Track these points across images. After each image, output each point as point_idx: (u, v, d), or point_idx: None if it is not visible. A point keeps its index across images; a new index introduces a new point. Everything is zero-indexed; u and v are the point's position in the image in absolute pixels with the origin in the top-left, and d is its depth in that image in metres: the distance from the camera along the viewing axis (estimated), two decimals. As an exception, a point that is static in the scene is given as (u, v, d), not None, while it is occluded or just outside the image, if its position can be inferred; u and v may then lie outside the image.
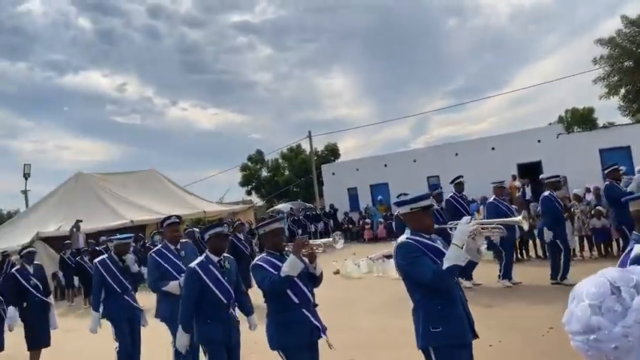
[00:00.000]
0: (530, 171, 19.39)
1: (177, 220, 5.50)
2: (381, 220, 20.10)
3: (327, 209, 22.53)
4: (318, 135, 40.68)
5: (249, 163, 45.40)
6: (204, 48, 71.53)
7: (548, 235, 8.47)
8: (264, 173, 46.29)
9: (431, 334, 3.14)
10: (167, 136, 73.98)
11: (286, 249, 3.93)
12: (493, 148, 20.45)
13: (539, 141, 19.74)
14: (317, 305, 3.92)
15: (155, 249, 5.37)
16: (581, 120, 41.43)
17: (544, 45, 63.14)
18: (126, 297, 5.82)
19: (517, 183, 18.06)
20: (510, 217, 8.73)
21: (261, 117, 74.29)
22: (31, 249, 7.47)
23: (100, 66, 70.01)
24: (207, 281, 4.14)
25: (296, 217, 21.14)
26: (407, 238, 3.30)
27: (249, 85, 73.09)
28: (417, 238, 3.29)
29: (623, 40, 23.98)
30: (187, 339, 4.16)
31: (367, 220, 20.19)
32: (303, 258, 3.69)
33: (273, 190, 41.99)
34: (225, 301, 4.23)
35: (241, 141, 73.36)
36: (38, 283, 7.01)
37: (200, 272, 4.15)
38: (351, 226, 21.05)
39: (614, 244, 10.61)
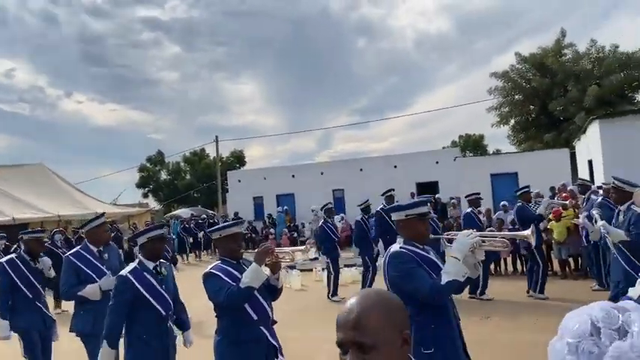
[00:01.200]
0: (427, 190, 20.43)
1: (105, 220, 4.86)
2: (285, 229, 20.11)
3: (232, 217, 22.10)
4: (225, 140, 40.02)
5: (148, 164, 43.53)
6: (107, 40, 67.90)
7: None
8: (164, 176, 44.59)
9: (422, 355, 2.80)
10: (58, 129, 68.99)
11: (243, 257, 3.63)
12: (395, 166, 21.30)
13: (437, 162, 20.89)
14: (275, 322, 3.55)
15: (73, 251, 4.61)
16: (472, 145, 44.60)
17: (444, 73, 67.41)
18: (38, 304, 5.03)
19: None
20: (484, 229, 9.14)
21: (163, 117, 71.75)
22: None
23: (-16, 47, 63.98)
24: (142, 291, 3.60)
25: (187, 225, 20.19)
26: (400, 248, 3.03)
27: (152, 82, 70.34)
28: (411, 247, 3.02)
29: (515, 75, 26.22)
30: (112, 357, 3.59)
31: (271, 230, 20.08)
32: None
33: (172, 194, 40.52)
34: (163, 313, 3.69)
35: (140, 140, 70.25)
36: None
37: (133, 280, 3.60)
38: (254, 235, 20.79)
39: (503, 262, 11.42)
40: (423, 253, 3.05)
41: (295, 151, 66.81)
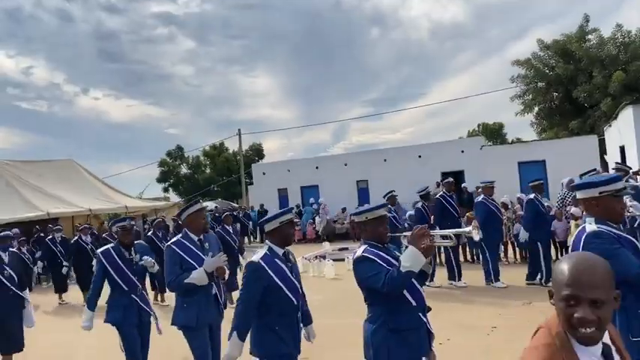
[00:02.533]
0: (453, 179, 20.28)
1: (202, 206, 4.54)
2: (311, 220, 20.23)
3: (257, 209, 22.26)
4: (248, 134, 40.17)
5: (168, 159, 43.88)
6: (122, 36, 68.46)
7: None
8: (184, 170, 44.95)
9: (632, 343, 2.75)
10: (76, 125, 69.88)
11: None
12: (420, 156, 21.23)
13: (462, 151, 20.78)
14: (430, 309, 3.30)
15: (174, 240, 4.31)
16: (492, 134, 44.27)
17: (458, 62, 66.90)
18: (134, 297, 4.84)
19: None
20: (498, 215, 9.24)
21: (179, 112, 72.29)
22: (6, 232, 6.16)
23: (4, 45, 64.83)
24: (275, 278, 3.31)
25: (217, 215, 20.41)
26: (598, 228, 2.90)
27: (167, 77, 70.85)
28: (608, 227, 2.91)
29: (537, 62, 25.93)
30: (241, 349, 3.31)
31: (296, 221, 20.20)
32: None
33: (192, 188, 40.85)
34: (295, 302, 3.41)
35: (157, 135, 70.95)
36: (13, 274, 5.85)
37: (265, 267, 3.33)
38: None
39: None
40: (620, 232, 2.94)
41: (311, 143, 67.01)
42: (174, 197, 39.79)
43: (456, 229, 4.10)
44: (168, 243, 4.33)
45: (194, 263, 4.18)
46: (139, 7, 71.62)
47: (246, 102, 72.55)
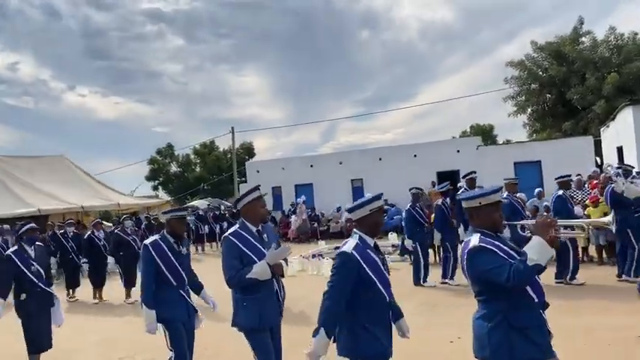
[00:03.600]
0: (448, 179, 20.29)
1: (261, 193, 4.00)
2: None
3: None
4: (242, 132, 39.77)
5: (158, 157, 43.49)
6: (110, 33, 67.72)
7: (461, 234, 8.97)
8: (174, 168, 44.58)
9: None
10: (63, 122, 69.06)
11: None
12: (415, 155, 21.19)
13: (458, 151, 20.78)
14: (548, 305, 2.97)
15: (232, 230, 3.84)
16: (482, 136, 44.42)
17: (448, 64, 67.23)
18: (182, 292, 4.49)
19: (436, 189, 18.89)
20: (522, 212, 9.11)
21: (167, 110, 71.74)
22: (32, 225, 5.76)
23: (-11, 40, 63.82)
24: (368, 270, 3.01)
25: (201, 214, 20.16)
26: (479, 243, 2.87)
27: (156, 75, 70.28)
28: (489, 239, 2.89)
29: (531, 63, 26.07)
30: (326, 348, 2.98)
31: (291, 219, 20.06)
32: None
33: (182, 186, 40.53)
34: (388, 299, 3.13)
35: (145, 133, 70.33)
36: (40, 269, 5.55)
37: (358, 258, 3.01)
38: (273, 225, 20.73)
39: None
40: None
41: (300, 143, 66.85)
42: (163, 196, 39.33)
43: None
44: (226, 234, 3.85)
45: (254, 257, 3.72)
46: (127, 4, 71.01)
47: (235, 101, 72.23)
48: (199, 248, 18.44)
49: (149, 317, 4.30)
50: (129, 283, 9.94)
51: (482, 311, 2.94)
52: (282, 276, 3.91)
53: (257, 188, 3.97)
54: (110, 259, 10.21)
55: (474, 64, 65.97)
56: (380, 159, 21.60)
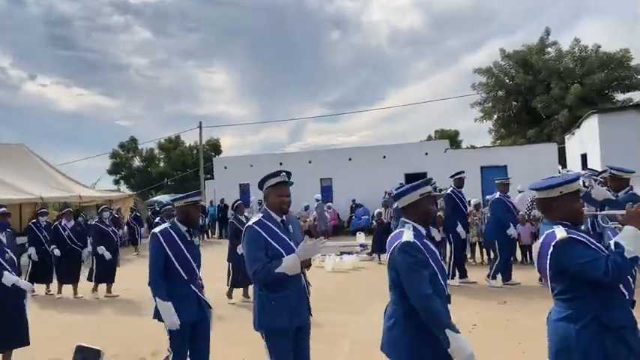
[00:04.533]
0: (416, 181, 20.50)
1: (288, 181, 3.53)
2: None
3: (217, 203, 21.71)
4: (209, 127, 39.13)
5: (121, 151, 42.48)
6: (75, 22, 65.80)
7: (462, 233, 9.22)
8: (137, 163, 43.60)
9: None
10: (21, 112, 66.63)
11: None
12: (384, 157, 21.29)
13: (426, 154, 21.01)
14: (635, 303, 2.74)
15: (255, 220, 3.40)
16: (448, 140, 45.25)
17: (416, 69, 68.16)
18: (193, 288, 3.97)
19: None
20: (514, 213, 9.23)
21: (132, 104, 70.25)
22: (4, 209, 5.35)
23: (-57, 23, 61.05)
24: (432, 263, 2.79)
25: (156, 208, 20.03)
26: (569, 234, 2.60)
27: (121, 68, 68.70)
28: (575, 231, 2.66)
29: (498, 71, 26.64)
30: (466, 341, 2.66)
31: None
32: None
33: (145, 181, 39.67)
34: (446, 292, 2.91)
35: (108, 127, 68.64)
36: (14, 257, 5.05)
37: (422, 248, 2.77)
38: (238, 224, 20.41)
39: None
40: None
41: (266, 142, 66.55)
42: (125, 190, 38.38)
43: None
44: (249, 223, 3.38)
45: (281, 250, 3.31)
46: (93, -7, 69.10)
47: (202, 97, 71.31)
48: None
49: (166, 310, 3.76)
50: (108, 278, 9.52)
51: (566, 311, 2.63)
52: (309, 267, 3.50)
53: (281, 172, 3.50)
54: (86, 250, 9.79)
55: (440, 71, 67.17)
56: (350, 159, 21.61)
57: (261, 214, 3.44)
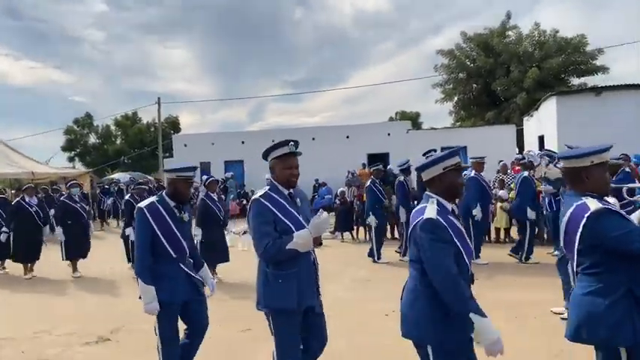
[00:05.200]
0: (378, 161, 20.66)
1: (296, 151, 3.23)
2: (233, 196, 19.69)
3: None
4: (165, 103, 38.02)
5: (75, 127, 41.00)
6: (25, -10, 62.57)
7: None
8: (93, 140, 42.22)
9: None
10: (-33, 85, 63.27)
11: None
12: (348, 137, 21.32)
13: (389, 134, 21.15)
14: None
15: (262, 193, 3.15)
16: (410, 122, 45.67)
17: (379, 51, 68.23)
18: (182, 267, 3.67)
19: (366, 170, 19.21)
20: (489, 192, 9.25)
21: (87, 78, 67.79)
22: None
23: None
24: (457, 241, 2.58)
25: (121, 187, 19.65)
26: (603, 205, 2.52)
27: (75, 41, 66.03)
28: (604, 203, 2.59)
29: (460, 53, 26.90)
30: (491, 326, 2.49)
31: (222, 196, 19.56)
32: None
33: (101, 158, 38.48)
34: (471, 272, 2.72)
35: (61, 102, 66.11)
36: None
37: (446, 225, 2.57)
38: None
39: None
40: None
41: (226, 121, 65.61)
42: (81, 168, 37.19)
43: None
44: (255, 196, 3.14)
45: (290, 224, 3.07)
46: (45, -39, 65.80)
47: (160, 74, 69.42)
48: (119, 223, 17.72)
49: (147, 294, 3.48)
50: (76, 255, 9.13)
51: (596, 285, 2.53)
52: (320, 244, 3.30)
53: (288, 142, 3.19)
54: (58, 230, 9.19)
55: (403, 53, 67.43)
56: (313, 139, 21.52)
57: (267, 187, 3.19)
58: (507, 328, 4.57)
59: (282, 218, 3.07)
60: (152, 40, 69.80)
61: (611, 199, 6.61)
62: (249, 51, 71.45)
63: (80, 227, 9.19)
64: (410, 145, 20.10)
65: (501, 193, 11.35)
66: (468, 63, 26.82)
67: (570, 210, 2.59)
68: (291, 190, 3.22)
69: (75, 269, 9.06)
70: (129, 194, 9.42)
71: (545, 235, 10.14)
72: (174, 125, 41.68)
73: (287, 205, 3.12)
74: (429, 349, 2.58)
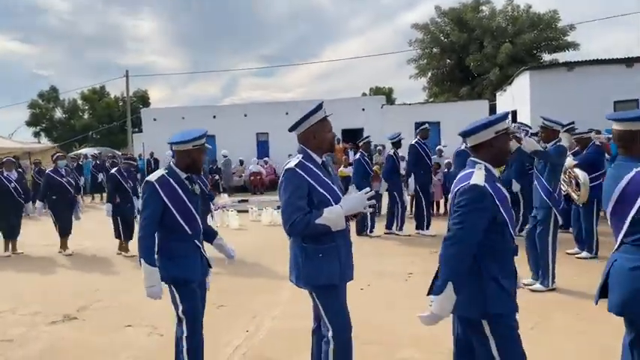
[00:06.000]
0: (352, 136, 20.60)
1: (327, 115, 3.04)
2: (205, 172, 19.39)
3: (147, 157, 20.77)
4: (133, 76, 36.98)
5: (40, 101, 39.65)
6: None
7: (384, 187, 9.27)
8: (59, 114, 40.92)
9: None
10: None
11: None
12: (322, 111, 21.08)
13: (363, 109, 21.02)
14: None
15: (295, 162, 2.89)
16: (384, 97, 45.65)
17: (352, 25, 67.64)
18: (197, 243, 3.32)
19: (341, 145, 19.13)
20: (428, 159, 9.21)
21: (51, 51, 65.45)
22: None
23: None
24: (502, 209, 2.45)
25: (98, 162, 19.48)
26: (484, 182, 2.42)
27: (38, 11, 63.46)
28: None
29: (434, 27, 26.79)
30: (451, 307, 2.42)
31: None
32: None
33: (68, 133, 37.39)
34: (515, 246, 2.62)
35: (24, 75, 63.86)
36: None
37: (493, 194, 2.43)
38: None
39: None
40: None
41: (197, 95, 64.53)
42: (47, 143, 36.13)
43: None
44: (290, 165, 2.87)
45: (327, 195, 2.85)
46: None
47: (128, 46, 67.44)
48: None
49: (150, 277, 3.11)
50: (64, 232, 8.68)
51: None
52: (356, 216, 3.04)
53: (321, 105, 3.02)
54: (38, 204, 8.72)
55: (376, 28, 67.02)
56: (287, 113, 21.22)
57: (300, 155, 2.93)
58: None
59: (319, 188, 2.85)
60: (120, 11, 67.69)
61: (580, 173, 6.65)
62: (221, 24, 70.04)
63: (66, 203, 8.65)
64: (384, 120, 20.08)
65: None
66: (442, 38, 26.76)
67: (631, 175, 2.42)
68: (324, 158, 3.02)
69: (64, 246, 8.63)
70: (116, 168, 8.91)
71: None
72: (143, 100, 40.70)
73: (321, 175, 2.89)
74: (485, 324, 2.44)
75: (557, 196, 5.51)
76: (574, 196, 6.56)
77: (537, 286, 5.43)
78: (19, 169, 10.35)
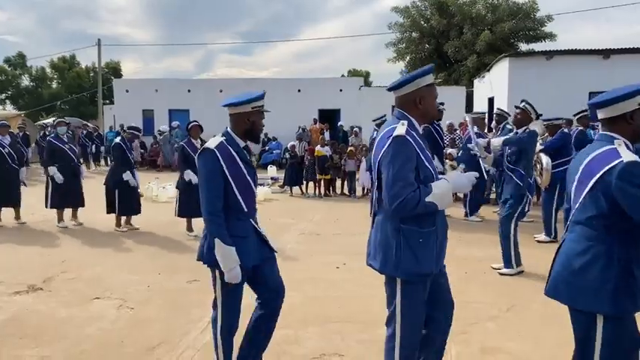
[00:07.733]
0: (329, 117, 20.47)
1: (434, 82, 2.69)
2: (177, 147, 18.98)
3: (117, 129, 20.22)
4: (106, 45, 35.68)
5: (7, 67, 38.20)
6: None
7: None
8: (26, 82, 39.54)
9: None
10: None
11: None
12: (299, 90, 20.86)
13: (340, 90, 20.87)
14: None
15: (404, 129, 2.43)
16: (362, 78, 45.51)
17: (330, 7, 66.94)
18: (252, 222, 2.93)
19: (317, 126, 18.97)
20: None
21: (20, 17, 63.02)
22: None
23: None
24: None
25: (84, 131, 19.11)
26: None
27: (7, -27, 60.78)
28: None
29: (415, 11, 26.64)
30: None
31: (156, 146, 18.89)
32: None
33: (35, 102, 36.20)
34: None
35: (-9, 40, 61.28)
36: None
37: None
38: (142, 151, 19.29)
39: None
40: None
41: (171, 70, 63.15)
42: (12, 111, 34.89)
43: None
44: (398, 133, 2.40)
45: (432, 170, 2.48)
46: None
47: (100, 15, 65.36)
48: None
49: (228, 258, 2.71)
50: (63, 204, 8.23)
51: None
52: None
53: (432, 69, 2.65)
54: (52, 169, 8.26)
55: (356, 10, 66.48)
56: (264, 91, 20.92)
57: (404, 122, 2.48)
58: (459, 284, 4.59)
59: (425, 162, 2.45)
60: (92, -21, 65.27)
61: (544, 158, 6.70)
62: (198, -2, 68.32)
63: (70, 171, 8.14)
64: (361, 102, 19.97)
65: (451, 150, 11.52)
66: (422, 23, 26.62)
67: (596, 152, 2.27)
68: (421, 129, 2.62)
69: (60, 219, 8.15)
70: (119, 137, 8.47)
71: (494, 194, 10.29)
72: (115, 71, 39.58)
73: (425, 147, 2.50)
74: (599, 318, 2.22)
75: (531, 182, 5.60)
76: (538, 180, 6.66)
77: (504, 270, 5.54)
78: (11, 132, 9.77)
